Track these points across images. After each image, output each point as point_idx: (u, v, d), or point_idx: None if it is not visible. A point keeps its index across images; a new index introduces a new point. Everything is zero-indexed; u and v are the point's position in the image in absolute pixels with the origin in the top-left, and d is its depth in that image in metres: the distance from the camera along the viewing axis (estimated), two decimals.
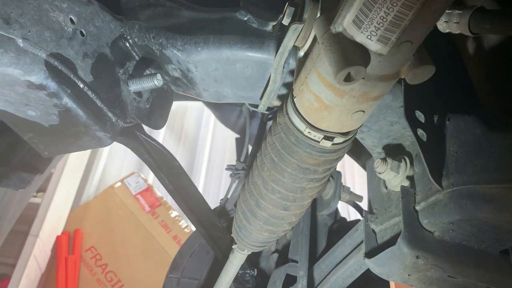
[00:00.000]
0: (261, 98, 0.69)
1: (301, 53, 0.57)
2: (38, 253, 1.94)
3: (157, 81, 0.67)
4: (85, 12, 0.59)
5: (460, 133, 0.59)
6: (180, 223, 2.20)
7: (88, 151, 2.64)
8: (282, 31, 0.62)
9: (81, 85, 0.57)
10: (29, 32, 0.50)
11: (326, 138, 0.56)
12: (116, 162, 2.66)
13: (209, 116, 2.95)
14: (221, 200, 1.33)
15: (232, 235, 0.89)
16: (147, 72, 0.71)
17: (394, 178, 0.67)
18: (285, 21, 0.56)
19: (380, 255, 0.64)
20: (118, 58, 0.66)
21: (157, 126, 0.76)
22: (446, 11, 0.52)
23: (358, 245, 0.85)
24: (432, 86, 0.65)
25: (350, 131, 0.57)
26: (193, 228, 1.90)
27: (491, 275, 0.58)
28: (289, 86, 0.65)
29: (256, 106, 0.72)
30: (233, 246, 0.94)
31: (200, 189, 1.16)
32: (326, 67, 0.46)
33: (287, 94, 0.62)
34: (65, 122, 0.59)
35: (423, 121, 0.62)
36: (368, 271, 0.75)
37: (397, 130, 0.69)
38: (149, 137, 0.83)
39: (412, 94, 0.61)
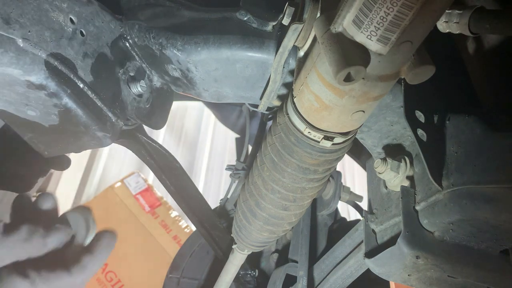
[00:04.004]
0: (261, 98, 0.69)
1: (301, 53, 0.57)
2: None
3: (141, 87, 0.69)
4: (85, 12, 0.59)
5: (460, 133, 0.59)
6: (180, 223, 2.20)
7: (88, 151, 2.64)
8: (282, 31, 0.62)
9: (81, 85, 0.57)
10: (29, 32, 0.50)
11: (326, 138, 0.56)
12: (116, 162, 2.66)
13: (209, 116, 2.95)
14: (221, 200, 1.33)
15: (232, 235, 0.89)
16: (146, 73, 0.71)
17: (394, 178, 0.67)
18: (285, 21, 0.56)
19: (380, 255, 0.64)
20: (118, 58, 0.66)
21: (157, 126, 0.76)
22: (446, 11, 0.52)
23: (358, 245, 0.85)
24: (432, 86, 0.65)
25: (350, 131, 0.57)
26: (193, 228, 1.90)
27: (491, 275, 0.58)
28: (289, 86, 0.65)
29: (256, 106, 0.72)
30: (233, 246, 0.94)
31: (200, 189, 1.16)
32: (326, 67, 0.46)
33: (287, 94, 0.62)
34: (65, 122, 0.59)
35: (423, 121, 0.62)
36: (368, 271, 0.75)
37: (397, 130, 0.69)
38: (149, 139, 0.83)
39: (412, 94, 0.62)
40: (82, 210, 0.72)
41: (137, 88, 0.69)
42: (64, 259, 0.64)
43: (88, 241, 0.71)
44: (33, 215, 0.66)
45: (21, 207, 0.66)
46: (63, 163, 0.77)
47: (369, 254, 0.69)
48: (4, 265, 0.54)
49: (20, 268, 0.56)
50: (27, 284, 0.55)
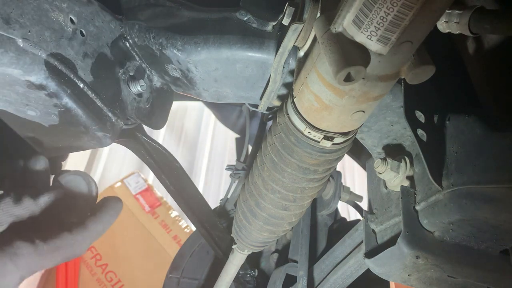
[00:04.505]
0: (261, 98, 0.69)
1: (301, 53, 0.57)
2: None
3: (140, 86, 0.69)
4: (85, 12, 0.59)
5: (460, 133, 0.59)
6: (180, 223, 2.20)
7: (88, 151, 2.64)
8: (282, 31, 0.62)
9: (81, 85, 0.57)
10: (29, 32, 0.50)
11: (326, 138, 0.56)
12: (116, 162, 2.66)
13: (209, 116, 2.95)
14: (221, 200, 1.33)
15: (232, 235, 0.89)
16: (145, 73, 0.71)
17: (394, 178, 0.67)
18: (285, 21, 0.56)
19: (380, 255, 0.64)
20: (118, 58, 0.66)
21: (157, 126, 0.76)
22: (446, 11, 0.52)
23: (358, 245, 0.85)
24: (432, 86, 0.65)
25: (350, 131, 0.57)
26: (193, 228, 1.90)
27: (491, 275, 0.58)
28: (289, 86, 0.65)
29: (256, 106, 0.72)
30: (233, 246, 0.95)
31: (200, 189, 1.16)
32: (326, 67, 0.46)
33: (287, 94, 0.62)
34: (65, 122, 0.59)
35: (423, 121, 0.62)
36: (368, 271, 0.75)
37: (397, 130, 0.69)
38: (149, 138, 0.83)
39: (412, 94, 0.62)
40: (82, 173, 0.71)
41: (137, 88, 0.69)
42: (66, 221, 0.64)
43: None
44: (25, 178, 0.66)
45: (13, 172, 0.65)
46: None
47: (369, 254, 0.69)
48: (2, 230, 0.55)
49: (20, 231, 0.57)
50: (28, 245, 0.56)
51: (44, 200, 0.59)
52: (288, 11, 0.56)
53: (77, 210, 0.68)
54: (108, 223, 0.67)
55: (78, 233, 0.62)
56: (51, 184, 0.69)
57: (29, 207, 0.57)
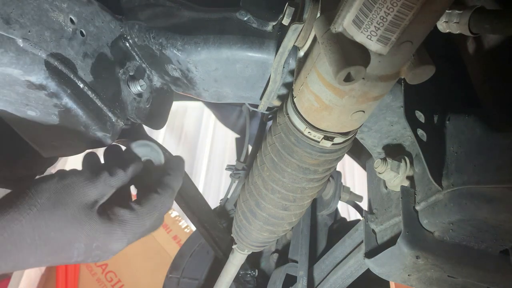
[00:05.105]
0: (261, 98, 0.69)
1: (301, 53, 0.57)
2: None
3: (140, 86, 0.69)
4: (85, 12, 0.59)
5: (460, 133, 0.59)
6: (180, 223, 2.21)
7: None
8: (282, 31, 0.62)
9: (81, 85, 0.57)
10: (29, 32, 0.50)
11: (326, 138, 0.56)
12: None
13: (209, 116, 2.94)
14: (221, 200, 1.33)
15: (232, 235, 0.89)
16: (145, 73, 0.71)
17: (394, 178, 0.67)
18: (285, 21, 0.56)
19: (380, 255, 0.64)
20: (118, 58, 0.66)
21: (157, 126, 0.76)
22: (446, 11, 0.52)
23: (358, 245, 0.85)
24: (432, 86, 0.64)
25: (350, 131, 0.57)
26: (193, 228, 1.90)
27: (491, 275, 0.58)
28: (289, 86, 0.65)
29: (256, 106, 0.72)
30: (233, 246, 0.95)
31: (200, 189, 1.16)
32: (326, 67, 0.46)
33: (287, 94, 0.62)
34: (65, 122, 0.59)
35: (423, 121, 0.62)
36: (368, 271, 0.75)
37: (397, 130, 0.69)
38: (149, 139, 0.83)
39: (412, 94, 0.62)
40: (150, 143, 0.73)
41: (137, 88, 0.69)
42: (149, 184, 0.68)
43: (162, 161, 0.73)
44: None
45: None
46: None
47: (369, 254, 0.69)
48: (104, 202, 0.59)
49: (116, 201, 0.61)
50: (129, 211, 0.60)
51: (131, 170, 0.64)
52: (288, 11, 0.56)
53: (151, 175, 0.71)
54: (181, 179, 0.71)
55: (164, 192, 0.66)
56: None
57: (121, 178, 0.61)
